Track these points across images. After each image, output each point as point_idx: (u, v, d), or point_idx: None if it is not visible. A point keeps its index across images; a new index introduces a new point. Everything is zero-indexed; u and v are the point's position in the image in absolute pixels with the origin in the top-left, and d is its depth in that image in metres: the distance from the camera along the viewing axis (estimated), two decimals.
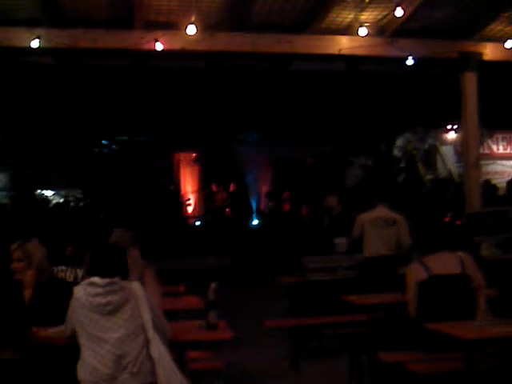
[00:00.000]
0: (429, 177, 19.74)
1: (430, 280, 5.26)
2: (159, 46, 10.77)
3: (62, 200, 18.46)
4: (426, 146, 20.41)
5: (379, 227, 8.67)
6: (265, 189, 20.93)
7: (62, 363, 4.37)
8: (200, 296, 5.90)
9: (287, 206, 19.60)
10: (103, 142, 19.43)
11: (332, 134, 19.15)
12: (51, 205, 18.07)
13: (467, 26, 11.89)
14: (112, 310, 4.18)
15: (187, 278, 8.46)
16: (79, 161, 18.40)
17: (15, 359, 4.44)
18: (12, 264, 4.83)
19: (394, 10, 10.61)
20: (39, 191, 18.43)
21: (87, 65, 13.41)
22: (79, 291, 4.26)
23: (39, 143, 17.39)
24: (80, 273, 5.49)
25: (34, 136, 17.06)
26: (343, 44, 11.71)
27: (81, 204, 18.33)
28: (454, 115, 14.23)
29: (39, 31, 10.31)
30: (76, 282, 5.03)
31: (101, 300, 4.18)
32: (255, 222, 19.02)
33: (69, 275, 5.58)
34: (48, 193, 18.65)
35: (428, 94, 16.47)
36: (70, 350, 4.26)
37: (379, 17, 11.41)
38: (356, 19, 11.34)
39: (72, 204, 18.17)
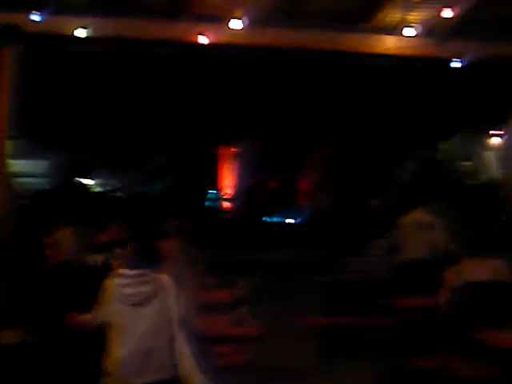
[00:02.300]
0: (471, 182, 19.43)
1: (463, 287, 5.18)
2: (203, 39, 10.77)
3: (100, 189, 18.61)
4: (471, 151, 20.10)
5: (419, 230, 8.55)
6: (306, 185, 20.82)
7: (90, 350, 4.38)
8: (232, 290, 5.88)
9: (330, 204, 19.43)
10: None
11: (376, 133, 18.94)
12: (90, 193, 18.24)
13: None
14: (141, 301, 4.17)
15: (221, 270, 8.42)
16: (124, 151, 18.52)
17: (31, 341, 4.46)
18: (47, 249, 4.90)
19: (442, 11, 10.48)
20: (78, 179, 18.60)
21: (133, 53, 13.45)
22: (110, 282, 4.27)
23: (83, 130, 17.52)
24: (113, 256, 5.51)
25: (77, 123, 17.19)
26: (390, 44, 11.60)
27: (119, 194, 18.45)
28: (502, 119, 13.99)
29: (86, 19, 10.41)
30: (107, 269, 5.05)
31: (130, 291, 4.18)
32: (294, 219, 18.90)
33: (100, 262, 5.63)
34: (87, 181, 18.83)
35: (476, 97, 16.20)
36: (98, 338, 4.27)
37: (427, 18, 11.27)
38: (404, 19, 11.22)
39: (111, 194, 18.31)
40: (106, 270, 5.00)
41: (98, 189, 18.81)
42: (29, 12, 10.21)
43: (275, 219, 18.78)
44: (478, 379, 4.89)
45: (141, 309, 4.16)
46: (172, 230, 5.28)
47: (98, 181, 19.02)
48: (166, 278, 4.29)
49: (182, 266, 5.02)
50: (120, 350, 4.14)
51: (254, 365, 5.79)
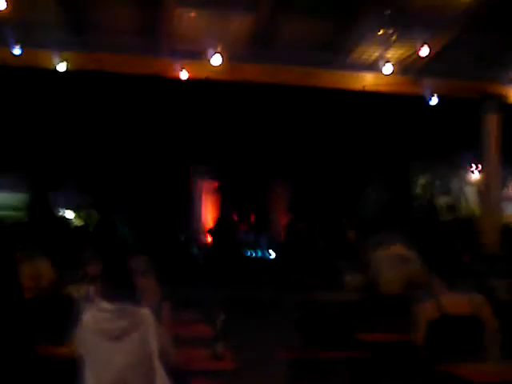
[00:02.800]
0: (450, 217, 19.59)
1: (441, 319, 5.21)
2: (184, 75, 10.86)
3: (82, 223, 18.56)
4: (450, 186, 20.29)
5: (394, 265, 8.55)
6: (284, 221, 20.89)
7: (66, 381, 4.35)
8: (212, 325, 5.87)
9: (303, 238, 19.49)
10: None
11: (352, 166, 19.10)
12: (71, 226, 18.18)
13: (488, 68, 11.88)
14: (119, 335, 4.13)
15: (200, 306, 8.41)
16: (101, 182, 18.49)
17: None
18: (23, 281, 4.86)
19: (419, 49, 10.66)
20: (59, 211, 18.54)
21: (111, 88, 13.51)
22: (87, 316, 4.24)
23: (62, 164, 17.50)
24: (92, 290, 5.52)
25: (57, 156, 17.18)
26: (368, 81, 11.75)
27: (100, 225, 18.39)
28: (478, 155, 14.17)
29: (66, 54, 10.45)
30: (86, 299, 5.05)
31: (109, 325, 4.15)
32: (272, 254, 18.90)
33: (81, 292, 5.63)
34: (68, 214, 18.77)
35: (452, 133, 16.43)
36: (72, 372, 4.24)
37: (404, 56, 11.45)
38: (382, 56, 11.38)
39: (90, 227, 18.25)
40: (85, 303, 5.02)
41: (79, 222, 18.76)
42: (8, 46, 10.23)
43: (253, 253, 18.80)
44: None
45: (119, 343, 4.12)
46: (146, 265, 5.30)
47: (79, 213, 18.95)
48: (145, 312, 4.25)
49: (159, 300, 5.03)
50: (96, 382, 4.09)
51: None
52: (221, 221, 20.44)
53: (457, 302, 5.31)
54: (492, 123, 12.42)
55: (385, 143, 17.76)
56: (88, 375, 4.13)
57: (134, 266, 5.10)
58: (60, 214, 18.61)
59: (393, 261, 8.58)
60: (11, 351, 4.51)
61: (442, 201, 20.15)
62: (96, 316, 4.20)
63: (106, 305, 4.22)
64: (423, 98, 12.21)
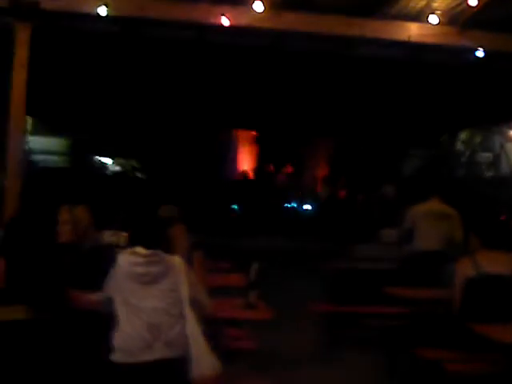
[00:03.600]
0: (490, 173, 19.29)
1: (478, 277, 5.14)
2: (225, 21, 10.69)
3: (118, 168, 18.70)
4: (491, 142, 19.94)
5: (431, 220, 8.41)
6: (321, 173, 20.81)
7: (98, 329, 4.40)
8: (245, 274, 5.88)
9: (343, 193, 19.44)
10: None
11: (394, 123, 18.86)
12: (108, 172, 18.35)
13: None
14: (150, 281, 4.21)
15: (235, 256, 8.44)
16: (139, 131, 18.56)
17: (37, 319, 4.47)
18: (59, 226, 4.89)
19: None
20: (97, 158, 18.69)
21: (152, 35, 13.42)
22: (121, 259, 4.31)
23: (100, 110, 17.57)
24: (126, 237, 5.55)
25: (94, 103, 17.24)
26: (412, 30, 11.44)
27: (137, 174, 18.55)
28: None
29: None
30: (122, 246, 5.09)
31: (140, 269, 4.23)
32: (307, 206, 18.83)
33: (120, 239, 5.68)
34: (106, 160, 18.91)
35: (496, 89, 16.05)
36: (107, 317, 4.28)
37: (452, 5, 11.12)
38: (428, 6, 11.07)
39: (129, 174, 18.41)
40: (120, 249, 5.05)
41: (116, 168, 18.91)
42: None
43: (291, 205, 18.77)
44: (483, 375, 4.85)
45: (150, 287, 4.20)
46: (176, 214, 5.33)
47: (117, 160, 19.08)
48: (176, 259, 4.33)
49: (189, 249, 5.04)
50: (129, 325, 4.17)
51: (260, 350, 5.80)
52: (257, 171, 20.46)
53: (494, 260, 5.24)
54: None
55: (428, 98, 17.44)
56: (120, 316, 4.21)
57: (164, 214, 5.12)
58: (98, 160, 18.76)
59: (431, 217, 8.44)
60: (44, 294, 4.57)
61: (483, 157, 19.82)
62: (130, 260, 4.28)
63: (140, 249, 4.28)
64: (469, 50, 11.86)
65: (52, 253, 4.83)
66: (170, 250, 4.39)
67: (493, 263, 5.22)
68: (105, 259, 4.51)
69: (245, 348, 5.70)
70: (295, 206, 18.77)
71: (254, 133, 21.12)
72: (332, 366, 7.00)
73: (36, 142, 16.99)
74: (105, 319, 4.27)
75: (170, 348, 4.17)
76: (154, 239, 4.34)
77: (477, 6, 10.51)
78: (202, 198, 16.33)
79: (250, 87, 17.45)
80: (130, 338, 4.16)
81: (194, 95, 17.82)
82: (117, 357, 4.18)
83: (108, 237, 5.90)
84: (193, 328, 4.21)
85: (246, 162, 20.94)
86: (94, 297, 4.44)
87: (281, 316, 5.40)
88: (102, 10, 10.30)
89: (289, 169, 20.17)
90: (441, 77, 15.80)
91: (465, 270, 5.26)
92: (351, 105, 17.93)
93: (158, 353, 4.15)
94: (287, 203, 18.72)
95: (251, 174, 20.35)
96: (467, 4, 10.58)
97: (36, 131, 17.19)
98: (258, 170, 20.60)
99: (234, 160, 20.83)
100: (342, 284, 7.89)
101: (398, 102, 17.75)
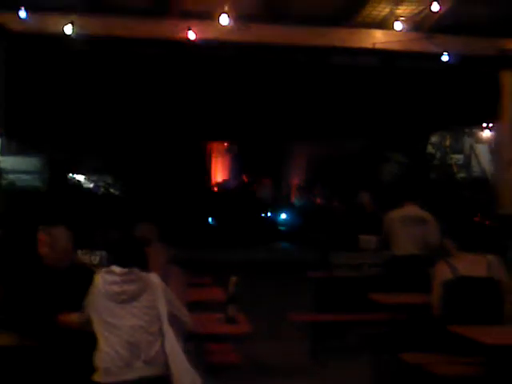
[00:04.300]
0: (462, 175, 19.48)
1: (455, 280, 5.17)
2: (192, 35, 10.74)
3: (91, 185, 18.61)
4: (462, 144, 20.15)
5: (408, 225, 8.46)
6: (296, 182, 20.86)
7: (82, 350, 4.37)
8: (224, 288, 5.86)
9: (319, 200, 19.51)
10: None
11: (367, 128, 18.96)
12: (83, 189, 18.24)
13: (507, 23, 11.65)
14: (127, 299, 4.19)
15: (214, 269, 8.42)
16: (113, 147, 18.48)
17: (33, 346, 4.45)
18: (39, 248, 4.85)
19: (431, 4, 10.47)
20: (71, 175, 18.59)
21: (120, 52, 13.43)
22: (97, 279, 4.29)
23: (73, 128, 17.47)
24: (104, 256, 5.54)
25: (67, 120, 17.15)
26: (378, 38, 11.56)
27: (111, 190, 18.46)
28: (491, 113, 13.99)
29: (73, 17, 10.34)
30: (100, 266, 5.06)
31: (117, 288, 4.20)
32: (283, 215, 18.83)
33: (93, 258, 5.65)
34: (80, 177, 18.81)
35: (465, 92, 16.22)
36: (90, 337, 4.26)
37: (415, 11, 11.25)
38: (392, 13, 11.20)
39: (102, 190, 18.32)
40: (95, 268, 5.02)
41: (90, 185, 18.80)
42: (15, 10, 10.12)
43: (269, 215, 18.78)
44: (466, 377, 4.89)
45: (128, 306, 4.18)
46: (153, 232, 5.32)
47: (90, 177, 18.98)
48: (153, 276, 4.31)
49: (167, 265, 5.01)
50: (108, 344, 4.15)
51: (244, 363, 5.78)
52: (232, 181, 20.46)
53: (471, 262, 5.27)
54: (509, 79, 12.24)
55: (399, 104, 17.57)
56: (99, 337, 4.19)
57: (141, 234, 5.11)
58: (72, 178, 18.65)
59: (407, 222, 8.50)
60: (31, 317, 4.54)
61: (454, 159, 20.02)
62: (106, 279, 4.26)
63: (115, 268, 4.27)
64: (436, 55, 12.00)
65: (37, 276, 4.80)
66: (146, 267, 4.37)
67: (469, 266, 5.25)
68: (82, 279, 4.49)
69: (229, 362, 5.68)
70: (271, 215, 18.78)
71: (226, 144, 21.13)
72: (318, 375, 6.99)
73: (6, 161, 16.86)
74: (90, 339, 4.25)
75: (150, 366, 4.15)
76: (130, 257, 4.32)
77: (439, 11, 10.65)
78: (177, 211, 16.28)
79: (223, 99, 17.48)
80: (109, 358, 4.13)
81: (167, 110, 17.81)
82: (98, 377, 4.16)
83: (82, 256, 5.86)
84: (172, 345, 4.19)
85: (219, 173, 20.94)
86: (75, 317, 4.41)
87: (264, 328, 5.39)
88: (68, 29, 10.32)
89: (264, 179, 20.19)
90: (410, 82, 15.96)
91: (442, 273, 5.29)
92: (325, 113, 18.01)
93: (138, 372, 4.13)
94: (263, 213, 18.73)
95: (227, 185, 20.36)
96: (430, 10, 10.71)
97: (6, 151, 17.05)
98: (233, 180, 20.60)
99: (208, 172, 20.81)
100: (323, 292, 7.90)
101: (371, 109, 17.87)
